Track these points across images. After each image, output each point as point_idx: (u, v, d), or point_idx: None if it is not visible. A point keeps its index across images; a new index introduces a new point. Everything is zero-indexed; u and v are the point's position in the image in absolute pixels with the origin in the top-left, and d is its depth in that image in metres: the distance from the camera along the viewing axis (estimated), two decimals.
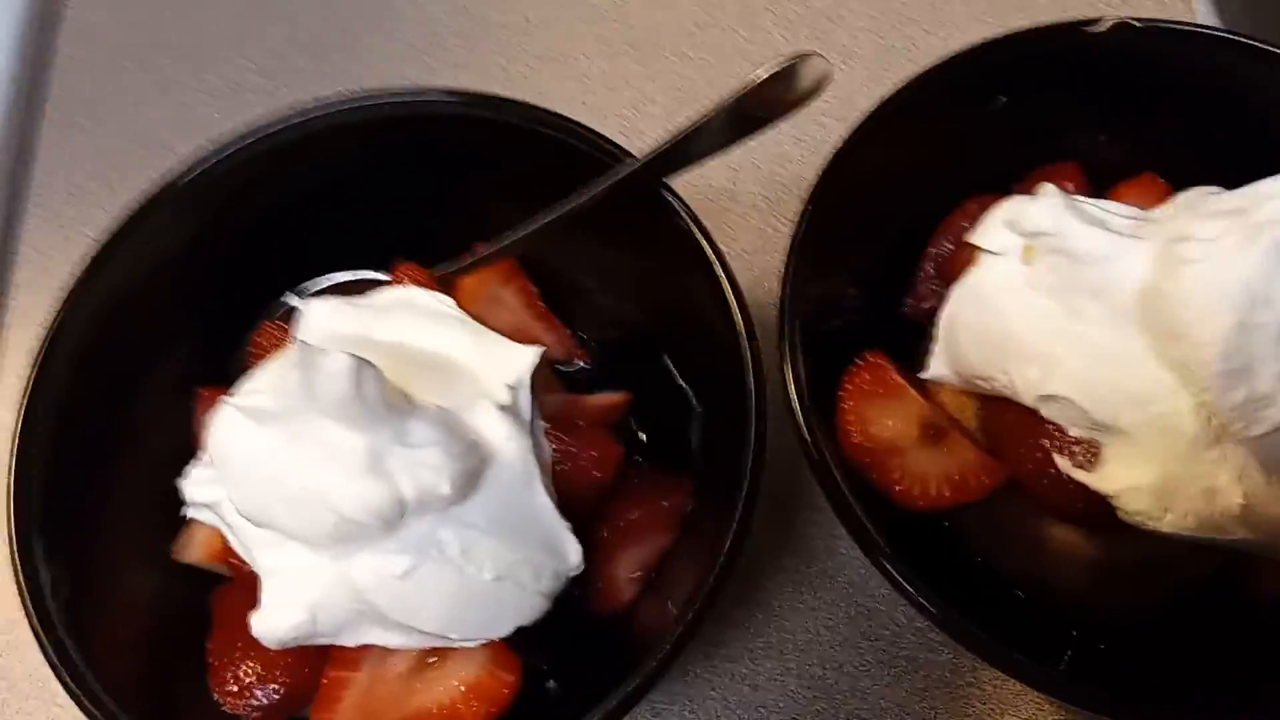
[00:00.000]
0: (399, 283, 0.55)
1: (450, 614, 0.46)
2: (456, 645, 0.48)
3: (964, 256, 0.56)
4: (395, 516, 0.44)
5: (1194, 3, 0.78)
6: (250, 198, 0.57)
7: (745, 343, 0.49)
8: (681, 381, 0.59)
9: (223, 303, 0.58)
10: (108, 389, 0.54)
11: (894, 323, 0.60)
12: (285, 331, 0.55)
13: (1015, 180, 0.60)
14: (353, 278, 0.59)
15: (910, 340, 0.59)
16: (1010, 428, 0.51)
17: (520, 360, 0.49)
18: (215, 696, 0.50)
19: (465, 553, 0.46)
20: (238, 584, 0.52)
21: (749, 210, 0.72)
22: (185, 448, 0.57)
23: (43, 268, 0.73)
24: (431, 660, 0.48)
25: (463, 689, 0.47)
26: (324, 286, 0.59)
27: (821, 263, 0.53)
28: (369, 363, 0.41)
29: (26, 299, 0.72)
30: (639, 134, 0.74)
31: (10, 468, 0.49)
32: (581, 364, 0.61)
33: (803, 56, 0.49)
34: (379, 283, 0.56)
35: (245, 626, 0.48)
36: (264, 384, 0.47)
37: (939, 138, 0.58)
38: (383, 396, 0.42)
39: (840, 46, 0.77)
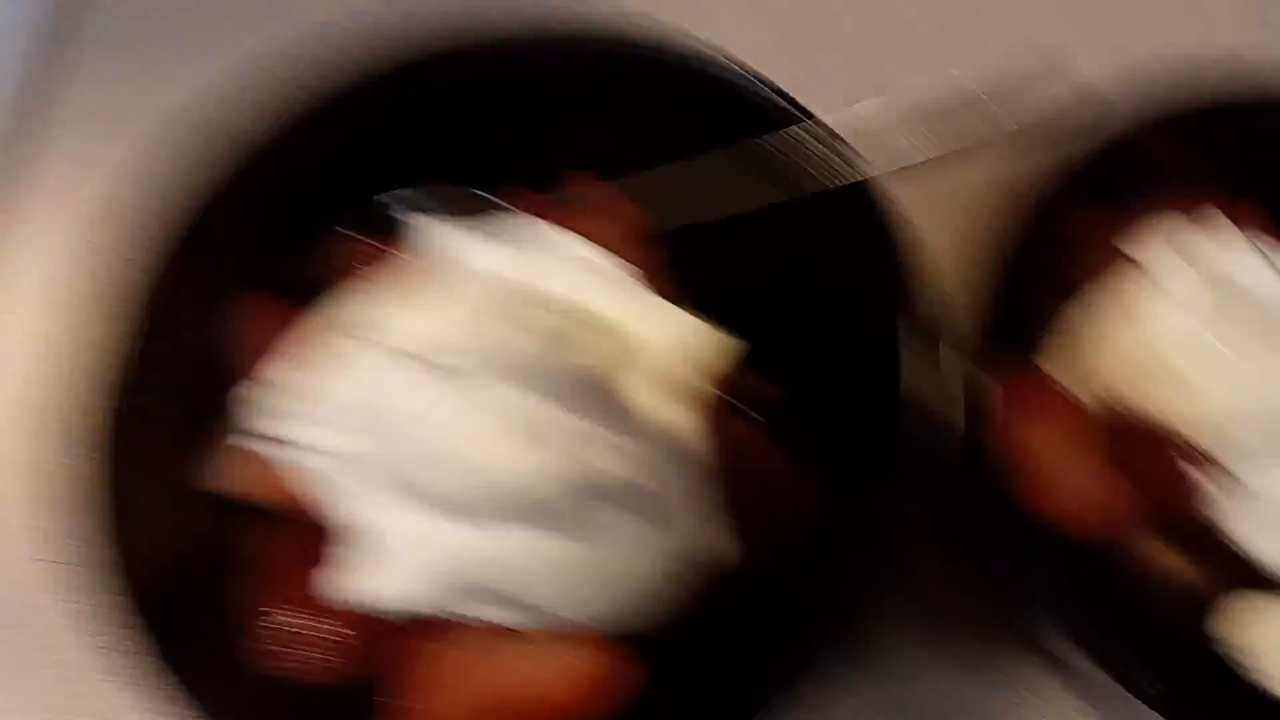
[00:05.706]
0: (518, 212, 0.49)
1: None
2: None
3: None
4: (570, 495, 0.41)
5: None
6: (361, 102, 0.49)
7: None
8: None
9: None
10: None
11: None
12: (380, 249, 0.48)
13: None
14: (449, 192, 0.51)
15: None
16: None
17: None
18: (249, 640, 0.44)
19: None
20: (291, 528, 0.46)
21: None
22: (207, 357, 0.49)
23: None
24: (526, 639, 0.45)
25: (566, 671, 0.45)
26: (412, 195, 0.50)
27: None
28: None
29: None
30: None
31: None
32: None
33: None
34: (486, 205, 0.49)
35: (300, 574, 0.44)
36: (419, 329, 0.41)
37: None
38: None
39: None
